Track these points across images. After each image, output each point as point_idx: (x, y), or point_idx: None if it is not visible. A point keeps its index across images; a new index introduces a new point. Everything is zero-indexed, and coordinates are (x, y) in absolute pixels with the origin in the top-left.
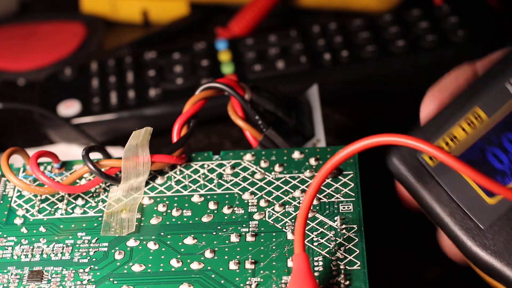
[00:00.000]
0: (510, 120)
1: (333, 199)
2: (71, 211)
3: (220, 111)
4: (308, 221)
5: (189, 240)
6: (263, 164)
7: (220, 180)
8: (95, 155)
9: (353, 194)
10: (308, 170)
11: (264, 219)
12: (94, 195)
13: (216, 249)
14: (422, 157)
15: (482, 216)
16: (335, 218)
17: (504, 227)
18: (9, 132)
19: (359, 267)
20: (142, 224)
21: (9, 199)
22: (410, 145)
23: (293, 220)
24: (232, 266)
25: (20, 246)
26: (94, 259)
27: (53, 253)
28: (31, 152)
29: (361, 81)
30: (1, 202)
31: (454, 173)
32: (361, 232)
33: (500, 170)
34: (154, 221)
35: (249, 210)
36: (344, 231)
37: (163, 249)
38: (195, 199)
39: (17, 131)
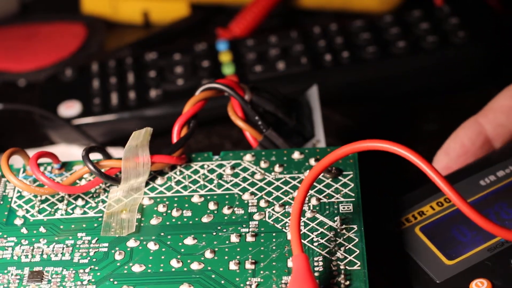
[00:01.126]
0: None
1: (333, 199)
2: (71, 212)
3: (220, 112)
4: (308, 221)
5: (189, 240)
6: (263, 164)
7: (220, 181)
8: (95, 156)
9: (353, 195)
10: (308, 171)
11: (264, 219)
12: (94, 196)
13: (216, 249)
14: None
15: (438, 273)
16: (335, 219)
17: (459, 284)
18: (9, 132)
19: (359, 267)
20: (142, 224)
21: (9, 199)
22: (405, 156)
23: None
24: (232, 266)
25: (20, 246)
26: (94, 260)
27: (53, 254)
28: (31, 152)
29: (361, 82)
30: (1, 202)
31: (416, 238)
32: (361, 232)
33: (462, 242)
34: (154, 221)
35: (249, 211)
36: (344, 231)
37: (163, 249)
38: (195, 199)
39: (17, 132)
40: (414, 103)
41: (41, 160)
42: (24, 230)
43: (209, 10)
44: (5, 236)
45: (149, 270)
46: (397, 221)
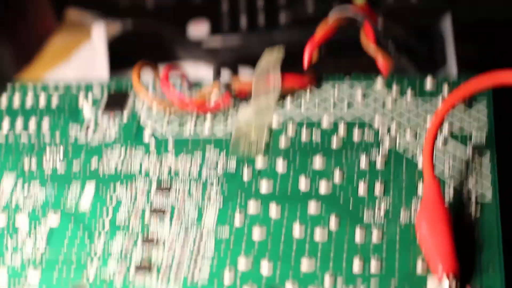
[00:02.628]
0: None
1: (465, 130)
2: (199, 130)
3: (350, 39)
4: (439, 151)
5: (317, 163)
6: (395, 91)
7: (350, 105)
8: (225, 76)
9: (487, 126)
10: (440, 99)
11: (394, 145)
12: (223, 115)
13: (345, 172)
14: None
15: None
16: (467, 149)
17: None
18: (137, 51)
19: (490, 200)
20: (270, 146)
21: (138, 114)
22: None
23: None
24: (361, 190)
25: (148, 161)
26: (222, 178)
27: (181, 169)
28: (160, 70)
29: (497, 16)
30: (131, 116)
31: None
32: (493, 164)
33: None
34: (283, 143)
35: (379, 136)
36: (476, 163)
37: (291, 171)
38: (325, 123)
39: (145, 51)
40: None
41: (171, 77)
42: (152, 145)
43: None
44: (133, 149)
45: (277, 190)
46: None
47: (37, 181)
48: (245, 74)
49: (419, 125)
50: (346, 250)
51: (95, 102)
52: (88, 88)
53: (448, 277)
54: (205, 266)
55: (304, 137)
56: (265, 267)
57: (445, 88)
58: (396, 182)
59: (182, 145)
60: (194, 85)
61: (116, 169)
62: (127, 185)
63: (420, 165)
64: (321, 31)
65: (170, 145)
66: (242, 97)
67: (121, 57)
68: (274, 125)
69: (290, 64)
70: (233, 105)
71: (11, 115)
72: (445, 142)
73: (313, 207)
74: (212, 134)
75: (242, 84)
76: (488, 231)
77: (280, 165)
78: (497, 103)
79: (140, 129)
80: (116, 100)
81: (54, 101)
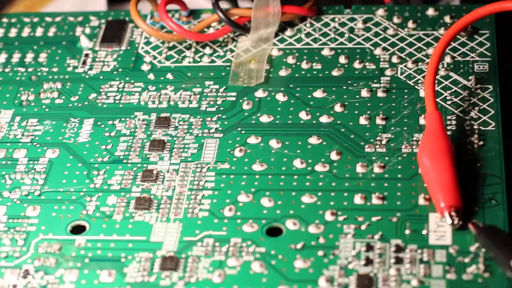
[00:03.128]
0: None
1: (468, 58)
2: (198, 60)
3: None
4: (441, 80)
5: (318, 93)
6: (396, 20)
7: (351, 34)
8: (223, 5)
9: (489, 54)
10: (442, 28)
11: (396, 75)
12: (222, 45)
13: (346, 103)
14: None
15: None
16: (470, 78)
17: None
18: None
19: (493, 128)
20: (270, 75)
21: (137, 45)
22: None
23: None
24: (363, 121)
25: (147, 92)
26: (221, 108)
27: (180, 101)
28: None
29: None
30: (129, 48)
31: None
32: (496, 92)
33: None
34: (283, 73)
35: (380, 66)
36: (478, 91)
37: (292, 101)
38: (325, 52)
39: None
40: None
41: (169, 7)
42: (151, 76)
43: None
44: (132, 81)
45: (277, 121)
46: None
47: (35, 115)
48: (244, 4)
49: (421, 54)
50: (347, 183)
51: (92, 34)
52: (86, 19)
53: (449, 212)
54: (204, 200)
55: (304, 66)
56: (266, 203)
57: (447, 18)
58: (398, 110)
59: (181, 76)
60: (194, 14)
61: (114, 101)
62: (126, 117)
63: (422, 94)
64: None
65: (169, 76)
66: (243, 25)
67: None
68: (274, 54)
69: None
70: (232, 34)
71: (8, 47)
72: (447, 69)
73: (314, 139)
74: (211, 64)
75: (243, 12)
76: (491, 161)
77: (281, 96)
78: (500, 34)
79: (138, 60)
80: (114, 32)
81: (51, 33)
